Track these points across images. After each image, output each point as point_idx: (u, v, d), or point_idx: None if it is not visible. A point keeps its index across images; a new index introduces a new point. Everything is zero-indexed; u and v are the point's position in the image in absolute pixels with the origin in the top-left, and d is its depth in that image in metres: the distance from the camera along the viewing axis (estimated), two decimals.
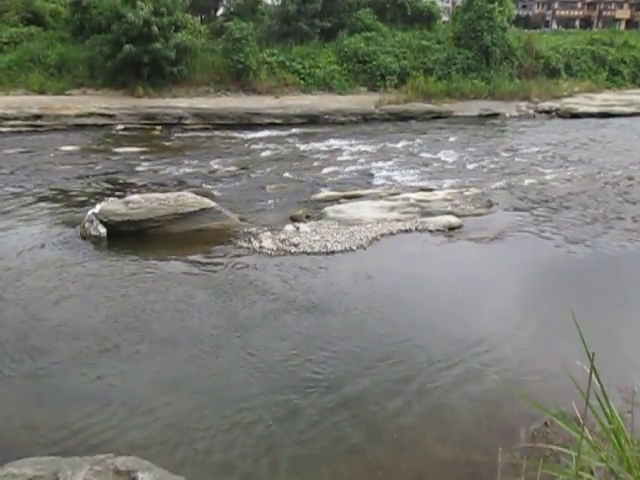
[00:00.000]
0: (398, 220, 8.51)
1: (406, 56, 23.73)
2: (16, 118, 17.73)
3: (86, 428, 4.03)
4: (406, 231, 8.19)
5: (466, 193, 9.95)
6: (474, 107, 20.76)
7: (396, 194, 9.79)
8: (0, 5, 24.85)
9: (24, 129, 17.39)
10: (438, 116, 19.93)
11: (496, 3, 22.96)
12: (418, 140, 15.61)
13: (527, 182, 10.91)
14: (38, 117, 17.95)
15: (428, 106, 20.53)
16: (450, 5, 46.99)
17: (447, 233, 8.16)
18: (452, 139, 15.96)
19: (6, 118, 17.63)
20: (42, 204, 9.77)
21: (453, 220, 8.48)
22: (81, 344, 5.15)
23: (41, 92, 20.53)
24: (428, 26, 26.16)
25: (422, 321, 5.74)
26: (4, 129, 17.26)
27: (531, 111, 20.74)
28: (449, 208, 9.09)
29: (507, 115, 20.26)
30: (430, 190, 10.15)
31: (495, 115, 20.19)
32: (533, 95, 22.10)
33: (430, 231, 8.19)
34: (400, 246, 7.75)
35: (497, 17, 22.95)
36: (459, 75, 22.76)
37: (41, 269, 6.81)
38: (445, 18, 32.99)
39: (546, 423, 4.00)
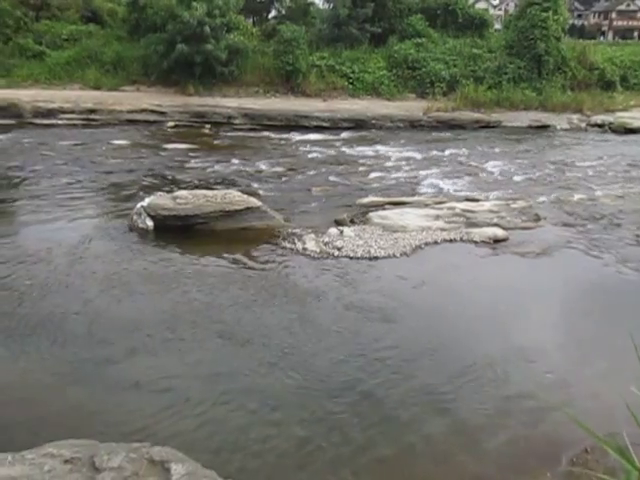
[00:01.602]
0: (443, 229, 8.43)
1: (456, 64, 23.47)
2: (72, 112, 18.39)
3: (128, 415, 4.14)
4: (450, 241, 8.10)
5: (513, 205, 9.77)
6: (524, 118, 20.37)
7: (442, 203, 9.69)
8: (61, 3, 25.83)
9: (79, 122, 18.02)
10: (487, 126, 19.63)
11: (551, 12, 22.45)
12: (465, 149, 15.41)
13: (576, 197, 10.63)
14: (92, 111, 18.57)
15: (477, 115, 20.26)
16: (502, 13, 46.30)
17: (492, 245, 8.02)
18: (500, 150, 15.69)
19: (63, 111, 18.31)
20: (93, 195, 10.11)
21: (499, 232, 8.34)
22: (128, 335, 5.29)
23: (96, 88, 21.22)
24: (480, 34, 25.77)
25: (462, 333, 5.65)
26: (60, 122, 17.93)
27: (583, 124, 20.18)
28: (495, 220, 8.94)
29: (558, 127, 19.78)
30: (476, 200, 10.01)
31: (545, 127, 19.74)
32: (586, 108, 21.49)
33: (475, 242, 8.07)
34: (444, 255, 7.67)
35: (551, 26, 22.44)
36: (510, 85, 22.36)
37: (91, 259, 7.03)
38: (497, 26, 32.44)
39: (586, 449, 3.86)
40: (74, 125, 17.71)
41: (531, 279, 7.07)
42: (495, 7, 50.96)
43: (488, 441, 4.09)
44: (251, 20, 28.28)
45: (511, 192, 10.84)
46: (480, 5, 39.06)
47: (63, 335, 5.21)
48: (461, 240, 8.13)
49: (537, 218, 9.21)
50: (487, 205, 9.67)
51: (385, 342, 5.34)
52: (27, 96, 18.71)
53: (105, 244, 7.59)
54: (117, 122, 18.27)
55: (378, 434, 4.08)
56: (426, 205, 9.55)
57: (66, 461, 2.20)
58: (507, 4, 51.94)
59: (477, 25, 25.93)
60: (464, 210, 9.23)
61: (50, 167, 12.05)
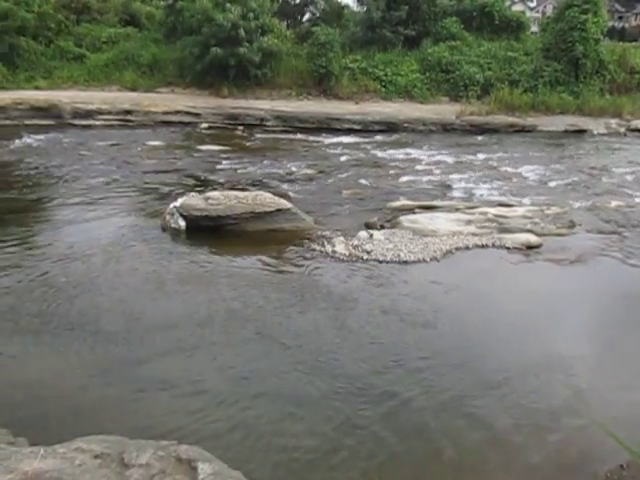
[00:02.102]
0: (474, 234, 8.31)
1: (491, 67, 23.16)
2: (109, 112, 18.83)
3: (158, 414, 4.20)
4: (482, 246, 7.98)
5: (547, 211, 9.57)
6: (560, 122, 19.95)
7: (473, 207, 9.57)
8: (101, 7, 26.50)
9: (115, 123, 18.45)
10: (521, 130, 19.30)
11: (590, 14, 21.94)
12: (499, 153, 15.18)
13: (614, 204, 10.34)
14: (129, 112, 18.98)
15: (511, 119, 19.94)
16: (540, 15, 45.46)
17: (525, 252, 7.87)
18: (535, 154, 15.40)
19: (100, 112, 18.76)
20: (128, 195, 10.31)
21: (532, 238, 8.18)
22: (161, 335, 5.38)
23: (133, 89, 21.69)
24: (516, 36, 25.37)
25: (493, 341, 5.55)
26: (98, 123, 18.39)
27: (622, 129, 19.64)
28: (528, 226, 8.77)
29: (595, 132, 19.30)
30: (509, 206, 9.84)
31: (582, 132, 19.29)
32: (625, 112, 20.93)
33: (507, 248, 7.94)
34: (475, 261, 7.56)
35: (590, 28, 21.92)
36: (546, 88, 21.93)
37: (124, 258, 7.16)
38: (534, 29, 31.88)
39: (622, 466, 3.74)
40: (111, 126, 18.14)
41: (565, 287, 6.91)
42: (532, 9, 50.10)
43: (521, 455, 4.00)
44: (285, 23, 28.48)
45: (545, 198, 10.62)
46: (517, 7, 38.44)
47: (97, 333, 5.32)
48: (493, 246, 8.00)
49: (572, 225, 9.00)
50: (520, 211, 9.50)
51: (418, 349, 5.28)
52: (67, 97, 19.24)
53: (138, 244, 7.72)
54: (152, 123, 18.63)
55: (411, 443, 4.03)
56: (457, 210, 9.44)
57: (96, 456, 2.24)
58: (545, 6, 51.02)
59: (513, 28, 25.53)
60: (496, 215, 9.08)
61: (87, 167, 12.36)
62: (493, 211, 9.29)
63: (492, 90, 21.95)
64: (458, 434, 4.15)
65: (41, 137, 15.69)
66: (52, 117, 18.28)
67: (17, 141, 15.00)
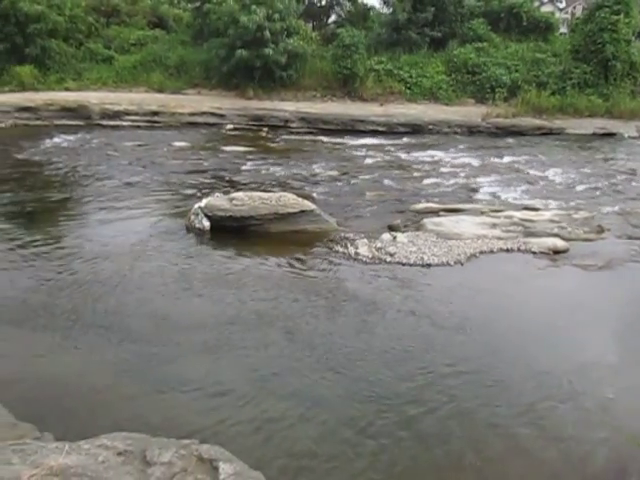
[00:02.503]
0: (499, 238, 8.20)
1: (518, 68, 22.86)
2: (136, 114, 19.12)
3: (180, 413, 4.24)
4: (507, 250, 7.87)
5: (575, 216, 9.39)
6: (588, 125, 19.58)
7: (499, 211, 9.44)
8: (130, 10, 26.94)
9: (142, 124, 18.72)
10: (548, 133, 19.01)
11: (622, 15, 21.48)
12: (525, 156, 14.96)
13: None
14: (155, 114, 19.25)
15: (538, 122, 19.65)
16: (569, 16, 44.68)
17: (551, 256, 7.74)
18: (562, 157, 15.14)
19: (128, 113, 19.07)
20: (153, 195, 10.44)
21: (559, 243, 8.03)
22: (185, 334, 5.42)
23: (160, 90, 21.98)
24: (544, 38, 25.01)
25: (516, 347, 5.45)
26: (125, 123, 18.68)
27: None
28: (555, 230, 8.62)
29: (625, 135, 18.89)
30: (535, 210, 9.69)
31: (611, 135, 18.89)
32: None
33: (533, 253, 7.81)
34: (500, 265, 7.46)
35: (622, 29, 21.46)
36: (575, 90, 21.55)
37: (150, 258, 7.25)
38: (563, 30, 31.38)
39: None
40: (138, 127, 18.41)
41: (593, 293, 6.78)
42: (561, 10, 49.27)
43: (541, 461, 3.93)
44: (311, 25, 28.55)
45: (573, 202, 10.43)
46: (546, 8, 37.86)
47: (123, 331, 5.39)
48: (518, 250, 7.89)
49: (600, 230, 8.81)
50: (547, 215, 9.34)
51: (443, 354, 5.23)
52: (95, 98, 19.59)
53: (163, 243, 7.81)
54: (178, 124, 18.85)
55: (434, 452, 3.98)
56: (482, 213, 9.34)
57: (119, 453, 2.27)
58: (574, 7, 50.14)
59: (542, 29, 25.19)
60: (522, 219, 8.95)
61: (114, 167, 12.57)
62: (519, 215, 9.16)
63: (519, 92, 21.66)
64: (482, 443, 4.09)
65: (70, 137, 16.01)
66: (81, 118, 18.65)
67: (47, 141, 15.33)
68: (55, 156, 13.43)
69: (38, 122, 18.20)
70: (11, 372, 4.66)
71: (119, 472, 2.15)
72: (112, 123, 18.58)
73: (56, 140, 15.52)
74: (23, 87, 20.58)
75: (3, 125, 17.62)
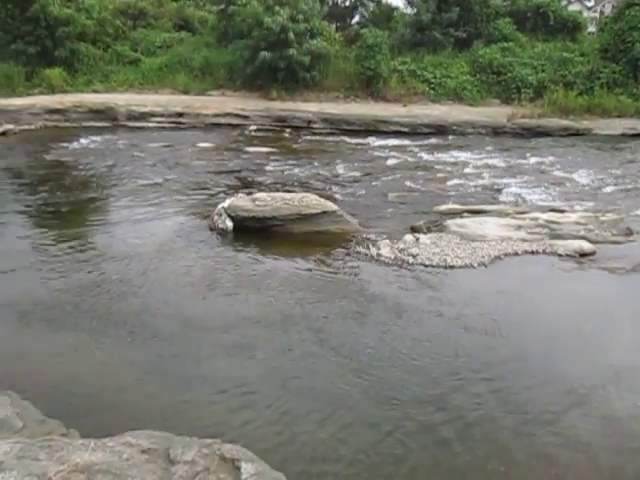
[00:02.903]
0: (524, 240, 8.09)
1: (545, 68, 22.50)
2: (162, 115, 19.36)
3: (203, 412, 4.27)
4: (532, 252, 7.76)
5: (602, 218, 9.21)
6: (617, 125, 19.17)
7: (524, 213, 9.32)
8: (156, 13, 27.30)
9: (167, 125, 18.95)
10: (575, 133, 18.66)
11: None
12: (551, 157, 14.72)
13: None
14: (180, 115, 19.46)
15: (565, 122, 19.31)
16: (598, 15, 43.84)
17: (578, 259, 7.60)
18: (589, 159, 14.86)
19: (153, 114, 19.32)
20: (177, 195, 10.56)
21: (586, 246, 7.89)
22: (209, 334, 5.47)
23: (185, 92, 22.21)
24: (572, 37, 24.57)
25: (544, 352, 5.34)
26: (151, 124, 18.94)
27: None
28: (582, 232, 8.47)
29: None
30: (561, 211, 9.54)
31: None
32: None
33: (559, 255, 7.69)
34: (524, 268, 7.35)
35: None
36: (603, 90, 21.09)
37: (174, 258, 7.34)
38: (591, 29, 30.80)
39: None
40: (163, 128, 18.64)
41: (621, 296, 6.64)
42: (589, 9, 48.38)
43: (569, 469, 3.86)
44: (334, 26, 28.55)
45: (601, 204, 10.24)
46: (574, 7, 37.23)
47: (147, 330, 5.47)
48: (544, 252, 7.77)
49: (629, 232, 8.63)
50: (573, 217, 9.19)
51: (470, 357, 5.18)
52: (122, 100, 19.90)
53: (187, 244, 7.89)
54: (203, 125, 19.03)
55: (460, 457, 3.92)
56: (507, 215, 9.22)
57: (143, 451, 2.29)
58: (603, 5, 49.19)
59: (569, 28, 24.75)
60: (548, 221, 8.82)
61: (140, 167, 12.74)
62: (544, 217, 9.02)
63: (545, 92, 21.32)
64: (508, 450, 4.02)
65: (97, 138, 16.28)
66: (108, 119, 18.97)
67: (75, 142, 15.62)
68: (83, 157, 13.68)
69: (67, 124, 18.56)
70: (40, 369, 4.77)
71: (143, 470, 2.17)
72: (138, 124, 18.85)
73: (83, 141, 15.81)
74: (52, 89, 21.00)
75: (33, 127, 18.00)
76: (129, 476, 2.11)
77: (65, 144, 15.25)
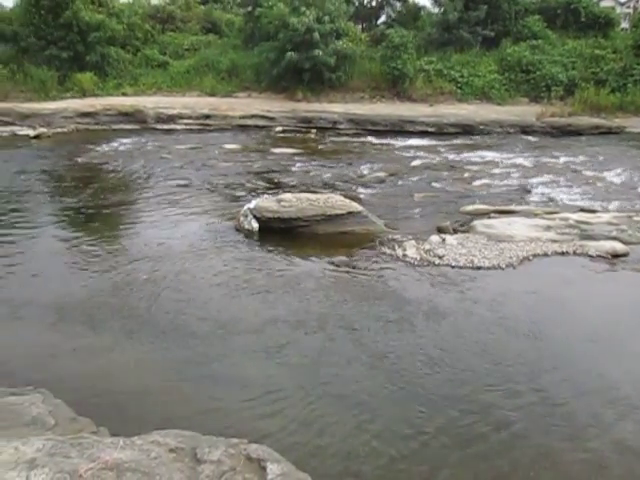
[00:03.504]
0: (554, 241, 7.94)
1: (575, 66, 22.08)
2: (189, 117, 19.60)
3: (229, 412, 4.30)
4: (562, 254, 7.61)
5: (636, 218, 8.98)
6: None
7: (553, 213, 9.15)
8: (185, 16, 27.65)
9: (195, 127, 19.18)
10: (607, 132, 18.26)
11: None
12: (582, 157, 14.43)
13: None
14: (207, 117, 19.68)
15: (596, 120, 18.91)
16: (631, 11, 42.76)
17: (610, 260, 7.43)
18: (622, 158, 14.50)
19: (181, 117, 19.58)
20: (204, 196, 10.67)
21: (618, 247, 7.70)
22: (236, 334, 5.52)
23: (212, 94, 22.45)
24: (604, 34, 24.03)
25: (581, 357, 5.22)
26: (178, 127, 19.20)
27: None
28: (614, 233, 8.27)
29: None
30: (593, 212, 9.34)
31: None
32: None
33: (590, 256, 7.52)
34: (554, 269, 7.22)
35: None
36: (636, 87, 20.60)
37: (201, 258, 7.41)
38: (624, 25, 30.07)
39: None
40: (190, 130, 18.88)
41: None
42: (622, 4, 47.24)
43: (602, 476, 3.76)
44: (360, 26, 28.49)
45: (633, 204, 9.99)
46: (606, 3, 36.40)
47: (176, 330, 5.53)
48: (574, 253, 7.61)
49: None
50: (605, 217, 8.98)
51: (482, 355, 5.12)
52: (151, 103, 20.22)
53: (215, 244, 7.97)
54: (229, 127, 19.21)
55: (501, 469, 3.83)
56: (536, 215, 9.07)
57: (171, 450, 2.32)
58: (637, 1, 47.98)
59: (601, 24, 24.24)
60: (579, 221, 8.64)
61: (168, 169, 12.92)
62: (575, 217, 8.85)
63: (576, 90, 20.92)
64: (552, 458, 3.90)
65: (127, 141, 16.58)
66: (137, 122, 19.30)
67: (105, 145, 15.93)
68: (113, 159, 13.95)
69: (97, 127, 18.95)
70: (73, 368, 4.87)
71: (170, 468, 2.20)
72: (166, 127, 19.13)
73: (113, 144, 16.11)
74: (84, 93, 21.46)
75: (65, 130, 18.43)
76: (157, 474, 2.14)
77: (96, 146, 15.58)
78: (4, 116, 18.69)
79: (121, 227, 9.01)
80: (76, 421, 3.35)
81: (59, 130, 18.28)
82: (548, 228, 8.40)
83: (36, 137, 17.22)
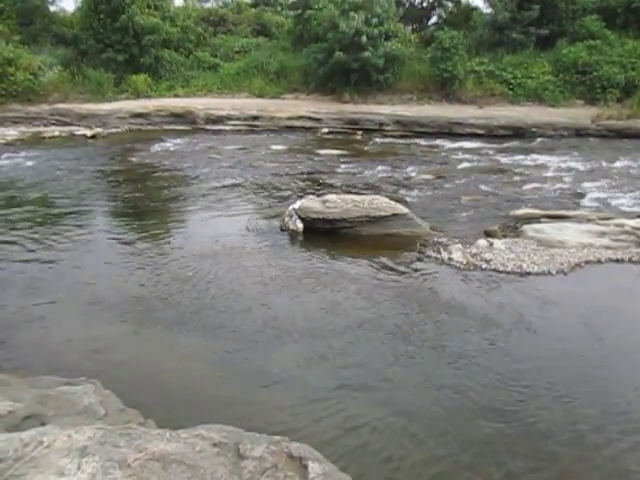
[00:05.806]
0: (608, 248, 7.65)
1: (635, 67, 21.18)
2: (238, 118, 19.94)
3: (271, 410, 4.33)
4: (617, 261, 7.32)
5: None
6: None
7: (608, 219, 8.81)
8: (236, 19, 28.15)
9: (243, 128, 19.50)
10: None
11: None
12: None
13: None
14: (255, 118, 19.97)
15: None
16: None
17: None
18: None
19: (230, 118, 19.94)
20: (251, 196, 10.83)
21: None
22: (280, 334, 5.57)
23: (260, 96, 22.76)
24: None
25: (625, 369, 5.01)
26: (227, 128, 19.56)
27: None
28: None
29: None
30: None
31: None
32: None
33: None
34: (608, 277, 6.95)
35: None
36: None
37: (246, 256, 7.52)
38: None
39: None
40: (239, 131, 19.21)
41: None
42: None
43: None
44: (410, 27, 28.25)
45: None
46: None
47: (221, 328, 5.62)
48: (630, 261, 7.31)
49: None
50: None
51: (529, 364, 4.96)
52: (201, 104, 20.68)
53: (260, 244, 8.07)
54: (277, 128, 19.43)
55: (513, 460, 3.77)
56: (589, 220, 8.76)
57: (214, 444, 2.36)
58: None
59: None
60: (635, 228, 8.29)
61: (216, 169, 13.18)
62: (632, 223, 8.49)
63: (636, 92, 20.08)
64: (569, 457, 3.82)
65: (177, 141, 17.01)
66: (187, 122, 19.79)
67: (157, 145, 16.40)
68: (164, 159, 14.33)
69: (149, 127, 19.55)
70: (123, 361, 5.02)
71: (214, 462, 2.24)
72: (215, 127, 19.53)
73: (165, 144, 16.57)
74: (138, 94, 22.16)
75: (119, 130, 19.09)
76: (201, 467, 2.19)
77: (148, 146, 16.06)
78: (64, 116, 19.54)
79: (172, 225, 9.25)
80: (125, 412, 3.46)
81: (114, 130, 18.95)
82: (602, 234, 8.10)
83: (92, 137, 17.91)
